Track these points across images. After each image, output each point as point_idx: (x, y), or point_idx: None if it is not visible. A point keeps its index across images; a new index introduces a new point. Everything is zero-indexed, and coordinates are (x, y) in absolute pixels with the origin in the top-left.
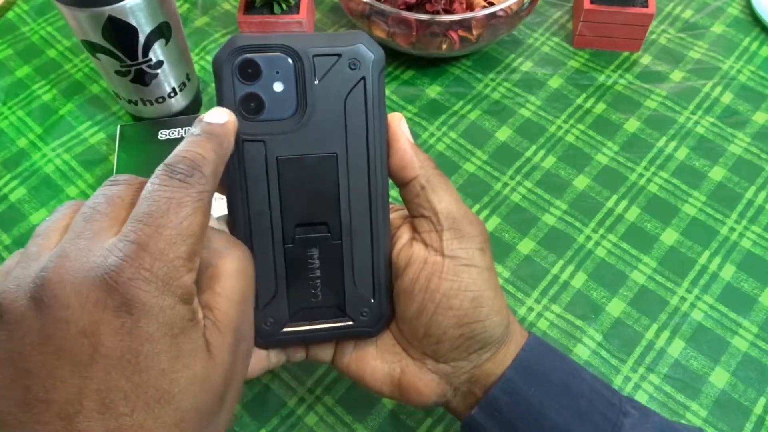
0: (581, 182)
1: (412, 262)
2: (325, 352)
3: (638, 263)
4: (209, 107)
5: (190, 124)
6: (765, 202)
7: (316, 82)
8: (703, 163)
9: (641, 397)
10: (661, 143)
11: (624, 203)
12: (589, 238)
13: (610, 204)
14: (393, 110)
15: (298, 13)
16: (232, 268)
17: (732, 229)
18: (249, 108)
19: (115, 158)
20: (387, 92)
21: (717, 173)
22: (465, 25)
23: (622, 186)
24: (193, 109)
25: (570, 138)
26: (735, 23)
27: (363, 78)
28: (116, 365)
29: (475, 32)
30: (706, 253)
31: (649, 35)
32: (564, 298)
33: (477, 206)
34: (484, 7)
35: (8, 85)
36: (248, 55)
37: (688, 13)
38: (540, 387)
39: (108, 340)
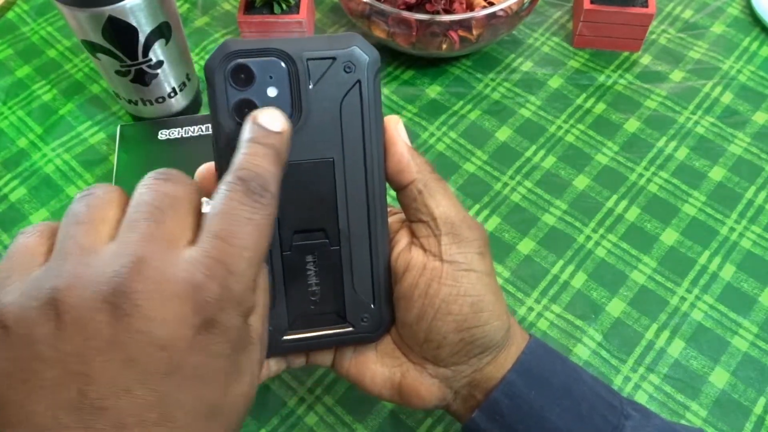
0: (581, 182)
1: (410, 267)
2: (324, 357)
3: (638, 263)
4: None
5: (190, 124)
6: (765, 202)
7: (311, 87)
8: (703, 163)
9: (641, 397)
10: (661, 143)
11: (624, 203)
12: (589, 238)
13: (610, 204)
14: (393, 110)
15: (298, 13)
16: (263, 284)
17: (732, 229)
18: (243, 114)
19: (115, 158)
20: (387, 92)
21: (717, 173)
22: (465, 25)
23: (622, 186)
24: (193, 109)
25: (570, 138)
26: (735, 23)
27: (358, 81)
28: (187, 381)
29: (475, 32)
30: (706, 253)
31: (649, 35)
32: (564, 298)
33: (477, 206)
34: (484, 7)
35: (8, 85)
36: (241, 61)
37: (688, 13)
38: (541, 390)
39: (186, 356)
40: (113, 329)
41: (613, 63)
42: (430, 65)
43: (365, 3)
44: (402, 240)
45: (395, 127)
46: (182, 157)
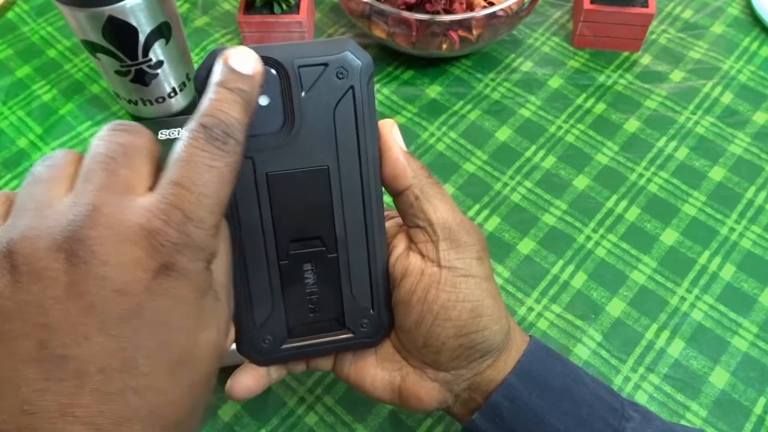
0: (581, 182)
1: (408, 273)
2: (325, 362)
3: (638, 263)
4: None
5: None
6: (765, 202)
7: (303, 94)
8: (703, 163)
9: (641, 397)
10: (661, 143)
11: (624, 203)
12: (589, 238)
13: (610, 204)
14: (393, 110)
15: (298, 13)
16: (224, 235)
17: (732, 229)
18: None
19: None
20: (387, 92)
21: (717, 173)
22: (465, 25)
23: (622, 186)
24: (193, 109)
25: (570, 138)
26: (735, 23)
27: (351, 87)
28: (148, 325)
29: (475, 32)
30: (706, 253)
31: (649, 35)
32: (564, 298)
33: (477, 206)
34: (484, 7)
35: (8, 85)
36: None
37: (688, 13)
38: (541, 393)
39: (144, 300)
40: (70, 277)
41: (613, 63)
42: (430, 65)
43: (365, 3)
44: (399, 245)
45: (390, 131)
46: None
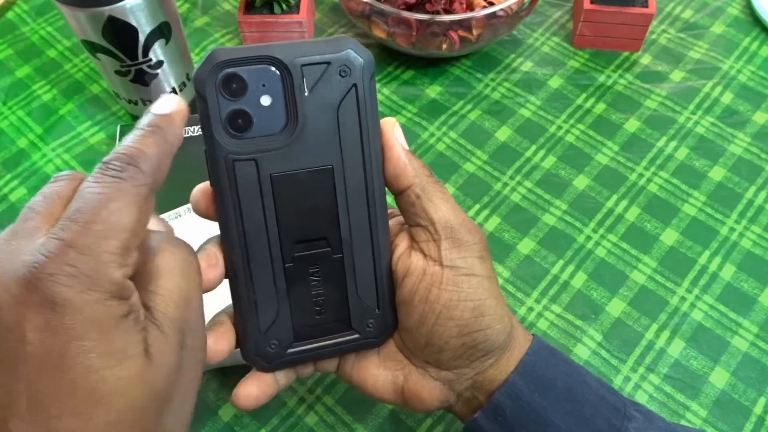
0: (581, 182)
1: (410, 272)
2: (330, 364)
3: (638, 263)
4: None
5: (190, 124)
6: (765, 202)
7: (306, 93)
8: (703, 163)
9: (641, 397)
10: (661, 143)
11: (624, 203)
12: (589, 238)
13: (610, 204)
14: (393, 110)
15: (298, 13)
16: (171, 266)
17: (732, 229)
18: (236, 125)
19: None
20: (387, 92)
21: (717, 173)
22: (465, 25)
23: (622, 186)
24: (193, 109)
25: (570, 138)
26: (735, 23)
27: (354, 85)
28: (43, 364)
29: (475, 32)
30: (706, 253)
31: (649, 35)
32: (564, 298)
33: (477, 206)
34: (484, 7)
35: (8, 85)
36: (231, 70)
37: (688, 13)
38: (544, 392)
39: (32, 337)
40: None
41: (613, 63)
42: (430, 65)
43: (365, 3)
44: (401, 244)
45: (392, 130)
46: (182, 156)
